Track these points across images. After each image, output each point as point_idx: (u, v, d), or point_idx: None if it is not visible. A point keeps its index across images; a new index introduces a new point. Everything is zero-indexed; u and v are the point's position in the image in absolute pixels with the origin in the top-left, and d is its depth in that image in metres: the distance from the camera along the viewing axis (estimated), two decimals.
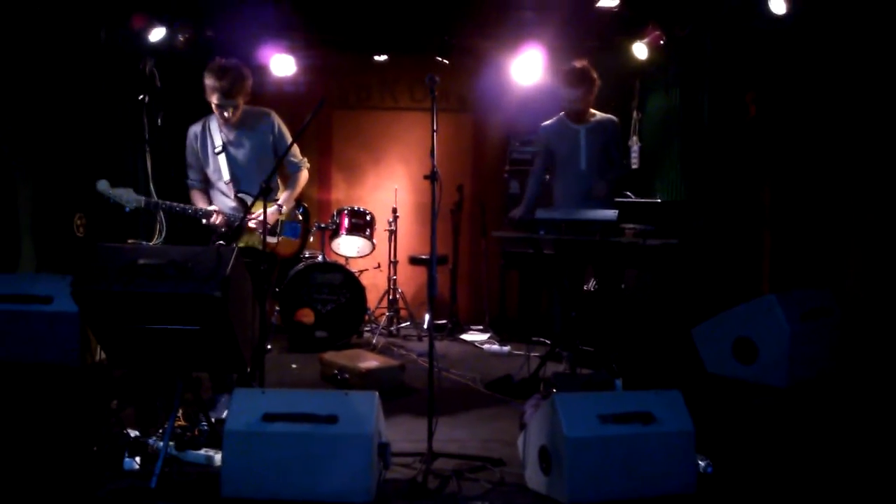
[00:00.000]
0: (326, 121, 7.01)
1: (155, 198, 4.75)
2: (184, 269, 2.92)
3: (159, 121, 5.44)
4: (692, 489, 2.95)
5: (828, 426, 3.60)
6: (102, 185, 3.88)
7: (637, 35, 5.71)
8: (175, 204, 3.98)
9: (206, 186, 4.17)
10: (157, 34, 5.30)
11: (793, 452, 3.39)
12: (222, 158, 4.04)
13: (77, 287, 2.91)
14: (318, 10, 5.84)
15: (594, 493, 2.83)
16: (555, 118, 4.72)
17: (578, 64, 4.58)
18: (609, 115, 4.71)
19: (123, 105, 5.35)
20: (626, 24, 5.70)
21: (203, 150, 4.08)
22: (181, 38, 5.51)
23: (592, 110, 4.68)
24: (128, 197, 3.88)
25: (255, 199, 3.84)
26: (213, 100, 3.94)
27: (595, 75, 4.58)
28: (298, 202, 4.38)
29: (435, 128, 3.43)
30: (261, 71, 6.09)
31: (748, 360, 3.77)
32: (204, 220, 3.99)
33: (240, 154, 4.06)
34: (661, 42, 5.60)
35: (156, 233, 5.12)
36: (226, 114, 3.96)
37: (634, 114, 6.39)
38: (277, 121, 4.14)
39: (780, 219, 5.02)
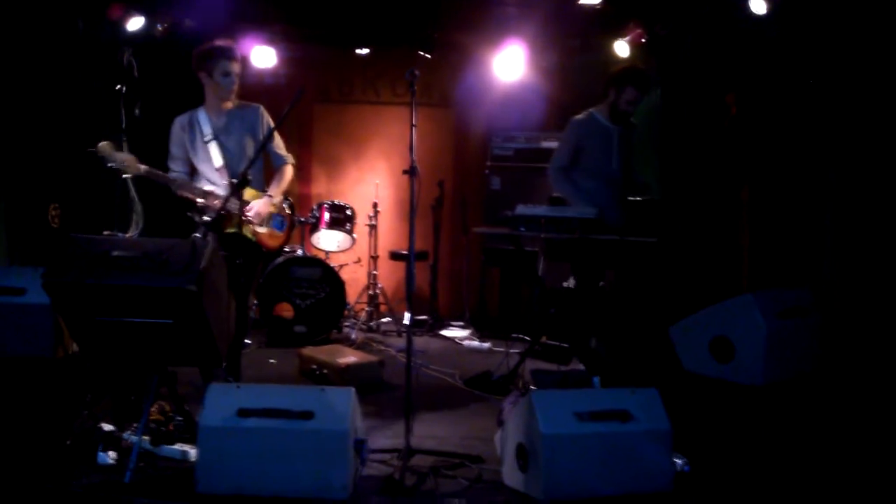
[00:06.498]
0: (308, 114, 6.96)
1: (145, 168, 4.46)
2: (158, 262, 2.88)
3: (137, 111, 5.37)
4: (669, 487, 2.96)
5: (804, 424, 3.63)
6: (104, 146, 3.68)
7: (619, 33, 5.72)
8: (173, 178, 3.91)
9: (191, 178, 4.14)
10: (135, 24, 5.24)
11: (770, 451, 3.42)
12: (213, 146, 4.02)
13: (48, 278, 2.87)
14: (300, 2, 5.79)
15: (570, 490, 2.83)
16: (584, 113, 4.59)
17: (646, 68, 4.58)
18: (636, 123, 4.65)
19: (101, 95, 5.28)
20: (607, 22, 5.70)
21: (192, 141, 4.05)
22: (160, 28, 5.46)
23: None
24: (129, 163, 3.73)
25: (235, 188, 3.80)
26: (227, 81, 3.96)
27: None
28: (284, 196, 4.36)
29: (414, 122, 3.42)
30: (241, 62, 6.01)
31: (725, 358, 3.79)
32: (201, 200, 3.94)
33: (230, 142, 4.06)
34: (643, 41, 5.61)
35: (132, 224, 5.05)
36: (233, 93, 4.00)
37: None
38: (266, 117, 4.17)
39: (759, 218, 5.05)
